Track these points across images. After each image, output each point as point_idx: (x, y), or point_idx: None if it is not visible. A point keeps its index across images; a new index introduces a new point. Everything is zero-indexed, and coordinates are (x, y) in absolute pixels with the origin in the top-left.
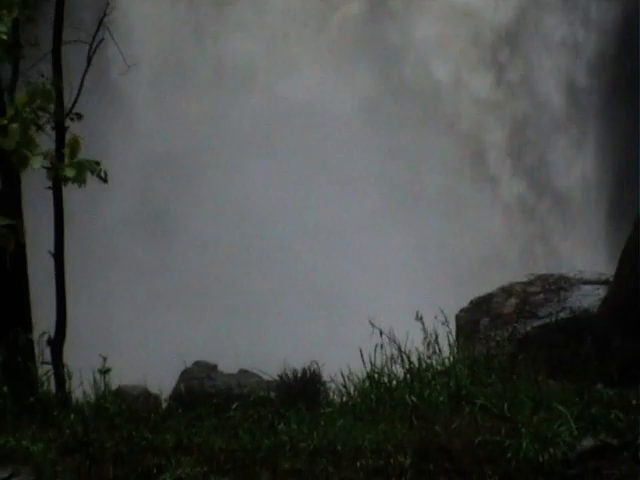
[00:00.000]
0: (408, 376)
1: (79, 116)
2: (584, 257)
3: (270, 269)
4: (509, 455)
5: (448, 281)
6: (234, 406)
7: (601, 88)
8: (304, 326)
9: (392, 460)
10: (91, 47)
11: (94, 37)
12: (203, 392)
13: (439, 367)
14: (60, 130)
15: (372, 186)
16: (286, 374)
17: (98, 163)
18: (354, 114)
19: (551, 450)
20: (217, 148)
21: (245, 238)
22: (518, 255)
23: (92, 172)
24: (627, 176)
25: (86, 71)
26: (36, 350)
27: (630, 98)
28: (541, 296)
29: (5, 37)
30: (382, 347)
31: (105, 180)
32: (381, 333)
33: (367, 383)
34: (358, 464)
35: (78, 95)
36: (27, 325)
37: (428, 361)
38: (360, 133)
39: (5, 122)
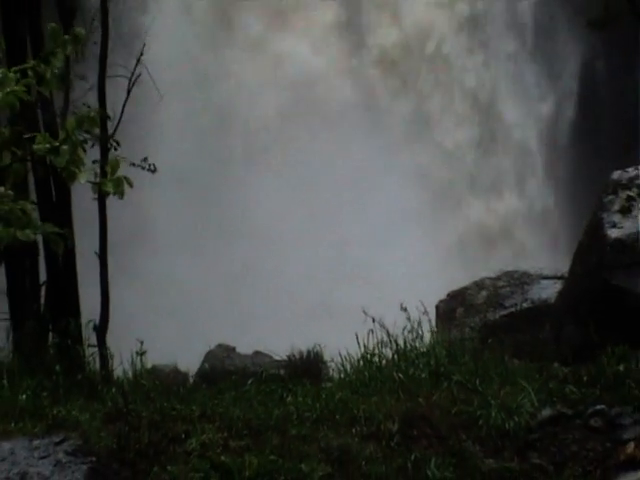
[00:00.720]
0: (395, 357)
1: (118, 143)
2: None
3: (281, 269)
4: (480, 423)
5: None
6: (249, 382)
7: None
8: (309, 316)
9: (382, 427)
10: (130, 81)
11: (132, 73)
12: (224, 370)
13: (422, 349)
14: (104, 151)
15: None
16: (293, 355)
17: (146, 159)
18: None
19: (515, 418)
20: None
21: (260, 242)
22: None
23: (143, 168)
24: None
25: (126, 101)
26: (84, 335)
27: None
28: (507, 289)
29: (58, 71)
30: (374, 332)
31: (154, 171)
32: (373, 320)
33: (361, 363)
34: (353, 430)
35: (119, 122)
36: (76, 314)
37: (412, 344)
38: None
39: (57, 144)
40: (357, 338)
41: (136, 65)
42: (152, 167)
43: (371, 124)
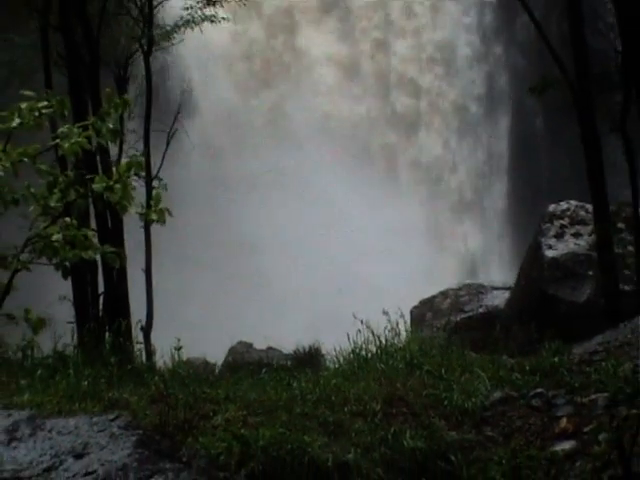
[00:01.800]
0: (378, 351)
1: (165, 187)
2: None
3: (287, 279)
4: (445, 403)
5: None
6: (263, 371)
7: None
8: (311, 319)
9: (368, 406)
10: (169, 134)
11: (171, 128)
12: (243, 362)
13: (399, 345)
14: (149, 188)
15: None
16: (298, 349)
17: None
18: None
19: (473, 399)
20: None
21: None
22: None
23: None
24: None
25: (165, 150)
26: (133, 334)
27: None
28: (467, 298)
29: (112, 127)
30: (361, 332)
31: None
32: (361, 322)
33: (351, 356)
34: (345, 409)
35: (161, 165)
36: (127, 317)
37: (391, 341)
38: None
39: (112, 183)
40: (348, 337)
41: (173, 123)
42: (164, 186)
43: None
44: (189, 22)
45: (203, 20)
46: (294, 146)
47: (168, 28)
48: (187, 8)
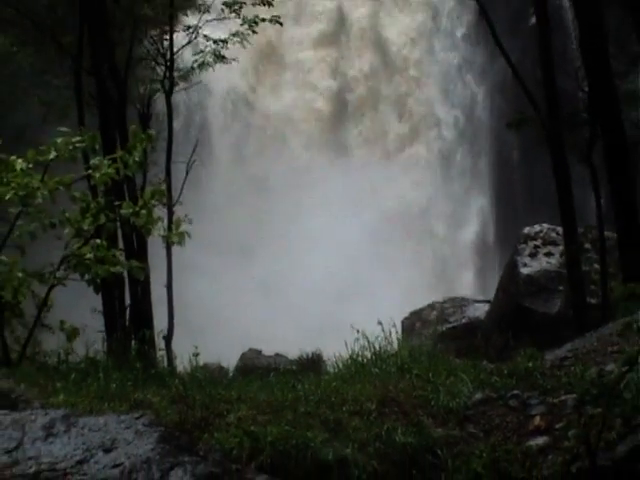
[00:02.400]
0: (373, 357)
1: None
2: None
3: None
4: (432, 403)
5: None
6: (271, 375)
7: None
8: (314, 330)
9: (363, 406)
10: (188, 165)
11: (189, 159)
12: (253, 366)
13: (391, 352)
14: (170, 213)
15: None
16: (302, 355)
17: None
18: None
19: (457, 400)
20: None
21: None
22: None
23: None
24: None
25: (185, 180)
26: (156, 342)
27: None
28: (451, 310)
29: (137, 159)
30: (359, 340)
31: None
32: (357, 331)
33: (349, 361)
34: (344, 408)
35: (180, 193)
36: (150, 327)
37: (385, 348)
38: None
39: (137, 209)
40: (346, 344)
41: (191, 155)
42: (190, 221)
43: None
44: (203, 64)
45: (215, 62)
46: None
47: (186, 70)
48: (199, 52)
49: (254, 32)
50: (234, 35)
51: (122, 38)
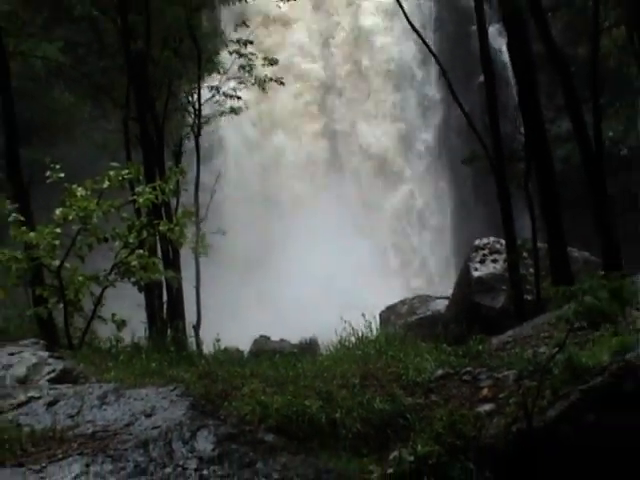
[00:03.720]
0: (357, 342)
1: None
2: None
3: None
4: (403, 378)
5: None
6: (277, 356)
7: None
8: (313, 319)
9: (349, 380)
10: (211, 193)
11: (214, 188)
12: (263, 349)
13: (371, 338)
14: (197, 229)
15: None
16: (302, 341)
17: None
18: None
19: (422, 375)
20: None
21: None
22: None
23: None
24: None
25: (209, 203)
26: (187, 330)
27: None
28: (418, 304)
29: (172, 187)
30: (345, 329)
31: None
32: (345, 322)
33: (338, 345)
34: (334, 382)
35: (206, 212)
36: (182, 319)
37: (366, 335)
38: None
39: (172, 226)
40: (336, 332)
41: (215, 183)
42: (224, 232)
43: None
44: (222, 113)
45: (230, 112)
46: None
47: (209, 117)
48: (216, 102)
49: (263, 89)
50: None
51: (160, 93)
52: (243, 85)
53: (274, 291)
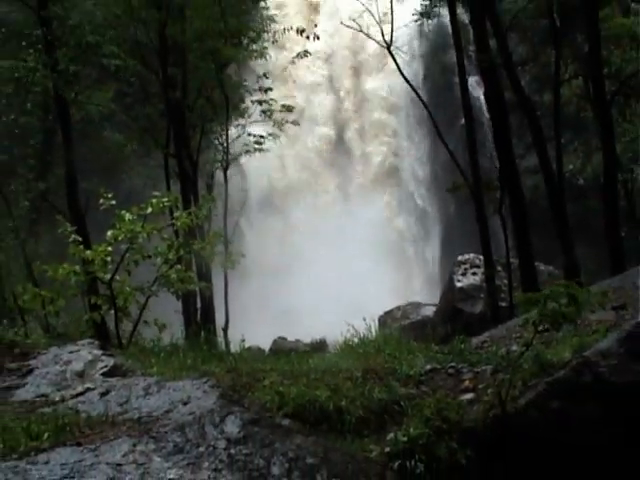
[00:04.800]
0: (359, 342)
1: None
2: None
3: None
4: (398, 371)
5: None
6: (292, 354)
7: None
8: (323, 323)
9: (353, 374)
10: (235, 223)
11: (237, 219)
12: (281, 348)
13: (371, 338)
14: (226, 248)
15: None
16: (313, 341)
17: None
18: None
19: (414, 369)
20: None
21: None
22: None
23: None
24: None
25: (234, 229)
26: (217, 332)
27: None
28: (411, 310)
29: (205, 213)
30: (350, 330)
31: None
32: (349, 325)
33: (344, 345)
34: (340, 375)
35: (232, 234)
36: (213, 322)
37: (367, 336)
38: None
39: (205, 245)
40: (341, 333)
41: (241, 209)
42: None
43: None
44: (248, 151)
45: (255, 151)
46: None
47: (236, 155)
48: (245, 144)
49: (281, 130)
50: (270, 135)
51: (194, 134)
52: (266, 129)
53: (290, 299)
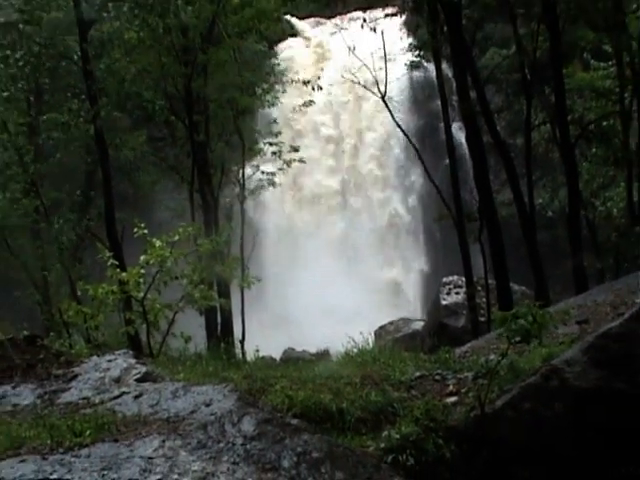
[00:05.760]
0: (358, 352)
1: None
2: None
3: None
4: (392, 378)
5: None
6: (300, 362)
7: None
8: (326, 335)
9: (352, 380)
10: (252, 246)
11: (253, 246)
12: (290, 358)
13: (368, 349)
14: (242, 270)
15: None
16: (318, 351)
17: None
18: None
19: (405, 376)
20: None
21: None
22: None
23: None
24: None
25: (251, 251)
26: (235, 344)
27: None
28: (402, 324)
29: (225, 239)
30: (350, 342)
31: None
32: (348, 337)
33: (344, 355)
34: (341, 381)
35: (248, 259)
36: (231, 335)
37: (365, 347)
38: None
39: (224, 268)
40: (342, 345)
41: (254, 237)
42: (259, 280)
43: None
44: (261, 187)
45: (268, 185)
46: None
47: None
48: (260, 180)
49: (289, 166)
50: (280, 169)
51: (216, 172)
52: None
53: (298, 315)
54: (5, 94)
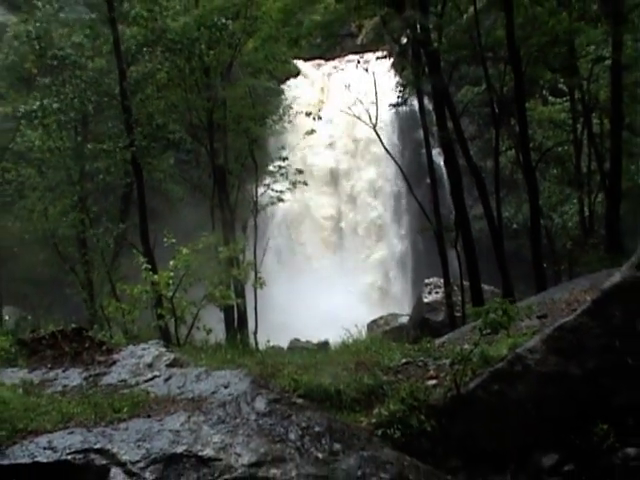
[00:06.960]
0: (352, 342)
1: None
2: None
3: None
4: (381, 364)
5: None
6: (304, 351)
7: None
8: (326, 328)
9: (348, 366)
10: (263, 251)
11: (264, 252)
12: (296, 347)
13: (362, 340)
14: (256, 273)
15: None
16: (319, 342)
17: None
18: None
19: (393, 362)
20: None
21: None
22: None
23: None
24: None
25: (263, 256)
26: (249, 334)
27: None
28: (390, 319)
29: (241, 247)
30: (345, 333)
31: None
32: (344, 329)
33: (341, 344)
34: (338, 367)
35: (261, 263)
36: (246, 328)
37: (358, 338)
38: None
39: (240, 271)
40: (340, 336)
41: (266, 244)
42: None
43: None
44: (272, 202)
45: (278, 201)
46: None
47: (263, 205)
48: (272, 197)
49: (295, 187)
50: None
51: (233, 190)
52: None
53: (302, 311)
54: (56, 123)
